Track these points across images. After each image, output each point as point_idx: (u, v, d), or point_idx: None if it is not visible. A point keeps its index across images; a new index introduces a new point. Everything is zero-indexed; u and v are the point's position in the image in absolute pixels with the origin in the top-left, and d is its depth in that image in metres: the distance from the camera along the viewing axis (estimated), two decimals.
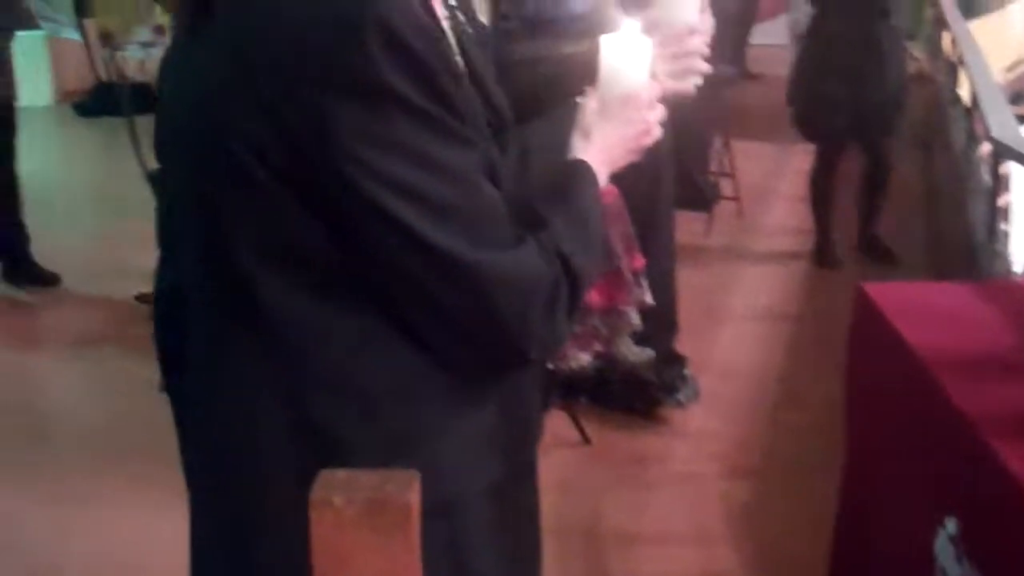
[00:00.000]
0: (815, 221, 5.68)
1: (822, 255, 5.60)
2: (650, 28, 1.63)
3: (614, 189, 3.70)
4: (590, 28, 1.69)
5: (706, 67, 1.70)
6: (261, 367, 1.24)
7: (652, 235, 4.06)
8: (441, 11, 1.74)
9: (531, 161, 1.65)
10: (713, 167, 6.27)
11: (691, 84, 1.69)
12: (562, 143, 1.48)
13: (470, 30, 1.79)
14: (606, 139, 1.46)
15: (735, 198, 6.28)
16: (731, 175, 6.28)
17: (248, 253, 1.20)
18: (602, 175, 1.45)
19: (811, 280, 5.41)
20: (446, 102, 1.17)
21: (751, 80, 10.17)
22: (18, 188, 5.46)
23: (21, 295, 5.44)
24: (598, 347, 3.68)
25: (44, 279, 5.44)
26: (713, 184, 6.27)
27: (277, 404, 1.23)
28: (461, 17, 1.79)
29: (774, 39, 11.61)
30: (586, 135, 1.46)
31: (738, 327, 4.89)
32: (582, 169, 1.43)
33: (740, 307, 5.11)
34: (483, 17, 3.54)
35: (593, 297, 3.64)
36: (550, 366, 3.63)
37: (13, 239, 5.50)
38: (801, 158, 7.21)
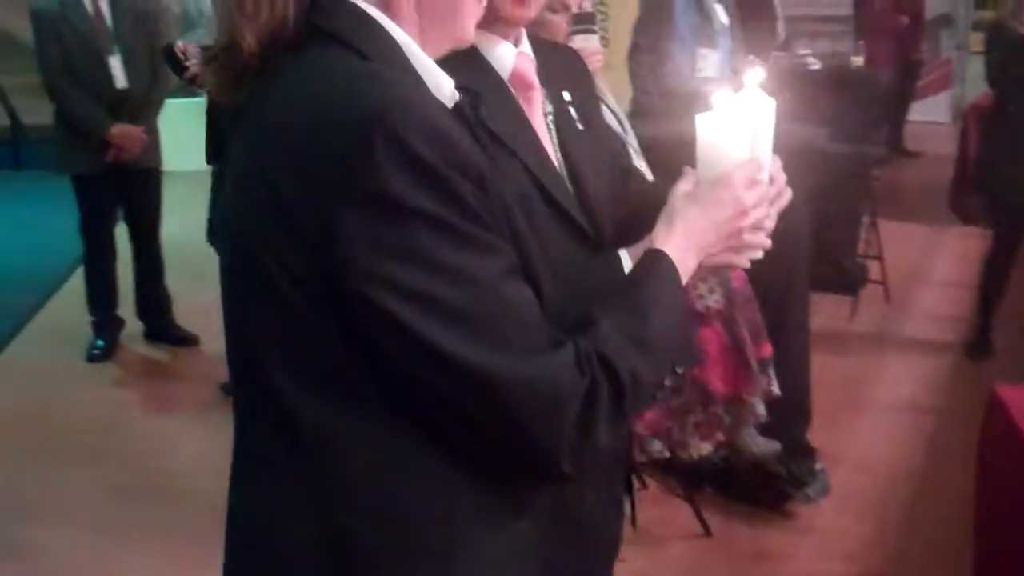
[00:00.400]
0: (979, 310, 5.38)
1: (976, 346, 5.31)
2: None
3: (742, 274, 3.59)
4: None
5: (765, 242, 1.51)
6: (293, 477, 1.19)
7: (785, 321, 3.92)
8: (542, 108, 1.71)
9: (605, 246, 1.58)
10: (860, 248, 6.06)
11: (744, 260, 1.51)
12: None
13: (580, 126, 1.74)
14: (692, 224, 1.39)
15: (882, 282, 6.03)
16: (879, 257, 6.04)
17: (277, 361, 1.17)
18: (687, 263, 1.38)
19: (960, 372, 5.13)
20: (462, 207, 1.12)
21: (908, 158, 9.88)
22: (161, 253, 5.62)
23: (161, 355, 5.56)
24: (720, 436, 3.55)
25: (183, 340, 5.56)
26: (860, 266, 6.05)
27: (309, 516, 1.18)
28: (573, 113, 1.75)
29: (934, 116, 11.31)
30: (670, 221, 1.40)
31: (877, 419, 4.66)
32: (653, 261, 1.35)
33: (881, 398, 4.88)
34: (612, 99, 3.48)
35: (717, 385, 3.53)
36: (666, 455, 3.53)
37: (156, 303, 5.66)
38: (956, 241, 6.97)
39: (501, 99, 1.63)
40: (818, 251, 5.73)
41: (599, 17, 3.22)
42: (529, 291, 1.19)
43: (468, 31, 1.32)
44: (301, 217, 1.10)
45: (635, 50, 6.25)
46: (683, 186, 1.45)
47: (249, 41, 1.19)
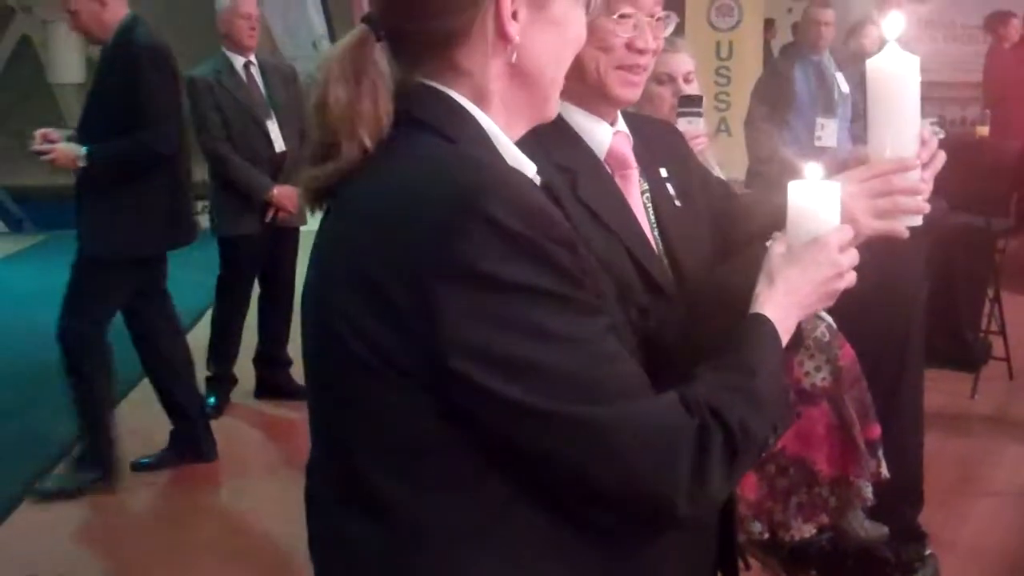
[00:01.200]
0: None
1: None
2: (859, 162, 1.58)
3: (851, 352, 3.50)
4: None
5: (921, 206, 1.57)
6: (372, 552, 1.23)
7: (897, 400, 3.81)
8: (639, 187, 1.70)
9: (701, 314, 1.59)
10: (984, 323, 5.87)
11: (901, 226, 1.56)
12: (742, 292, 1.45)
13: (677, 203, 1.74)
14: (792, 283, 1.42)
15: (1006, 359, 5.83)
16: (1002, 333, 5.84)
17: (370, 446, 1.22)
18: (788, 321, 1.42)
19: None
20: (559, 273, 1.17)
21: None
22: (292, 310, 5.72)
23: (279, 411, 5.67)
24: (824, 519, 3.44)
25: (297, 393, 5.63)
26: (983, 342, 5.87)
27: None
28: (671, 189, 1.75)
29: None
30: (770, 280, 1.43)
31: (995, 504, 4.48)
32: (755, 322, 1.38)
33: (1000, 481, 4.69)
34: (718, 169, 3.46)
35: (822, 466, 3.43)
36: (766, 535, 3.43)
37: (281, 359, 5.82)
38: None
39: (598, 178, 1.65)
40: (940, 325, 5.59)
41: (704, 98, 3.18)
42: (622, 346, 1.23)
43: (553, 110, 1.38)
44: (397, 298, 1.14)
45: (753, 117, 6.24)
46: (778, 247, 1.47)
47: (367, 142, 1.25)
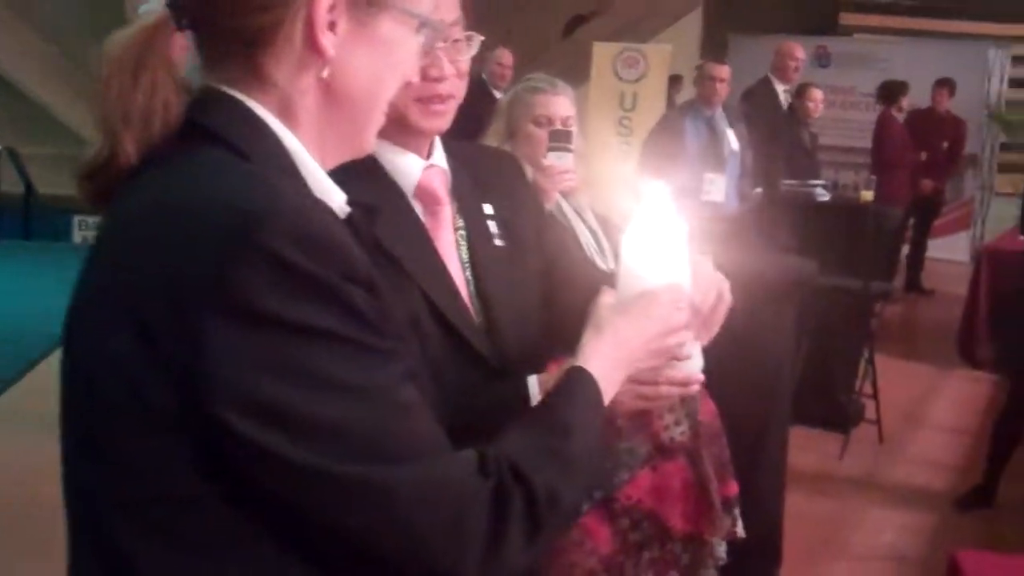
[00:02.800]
0: (989, 464, 5.07)
1: (977, 499, 5.09)
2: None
3: (712, 408, 3.48)
4: None
5: (689, 359, 1.49)
6: None
7: (759, 457, 3.81)
8: (452, 224, 1.63)
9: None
10: (858, 386, 5.93)
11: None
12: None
13: (499, 242, 1.67)
14: (620, 335, 1.37)
15: (877, 422, 5.89)
16: (875, 396, 5.91)
17: (105, 487, 1.08)
18: (614, 376, 1.35)
19: (946, 524, 4.97)
20: (348, 314, 1.04)
21: (922, 296, 9.79)
22: None
23: None
24: None
25: None
26: (856, 404, 5.93)
27: None
28: (493, 227, 1.68)
29: (954, 255, 11.24)
30: (598, 331, 1.37)
31: (855, 567, 4.49)
32: (576, 377, 1.30)
33: (861, 545, 4.71)
34: (590, 213, 3.40)
35: (676, 522, 3.38)
36: None
37: None
38: (959, 384, 6.84)
39: (399, 215, 1.57)
40: (814, 385, 5.63)
41: (573, 134, 3.16)
42: (419, 396, 1.11)
43: (369, 143, 1.26)
44: (162, 335, 1.00)
45: (641, 168, 6.26)
46: (607, 298, 1.42)
47: (130, 153, 1.12)
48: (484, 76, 8.04)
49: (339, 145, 1.22)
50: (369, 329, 1.06)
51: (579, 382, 1.30)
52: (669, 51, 9.14)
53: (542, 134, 3.27)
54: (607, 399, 1.32)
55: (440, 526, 1.07)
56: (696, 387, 1.52)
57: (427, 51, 1.51)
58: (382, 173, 1.60)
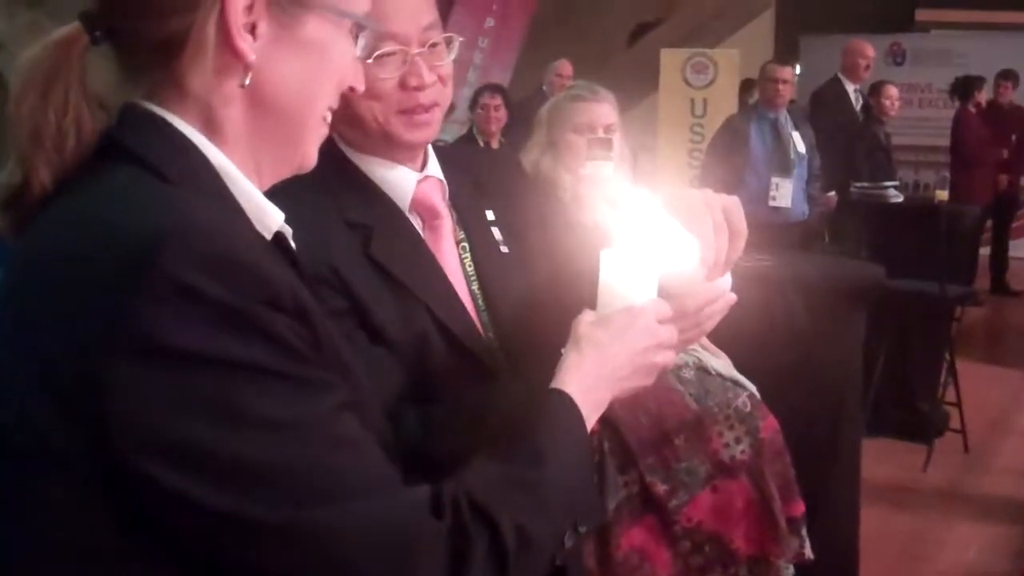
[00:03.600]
0: None
1: None
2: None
3: (774, 423, 3.32)
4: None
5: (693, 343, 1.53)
6: None
7: (829, 473, 3.64)
8: (453, 236, 1.54)
9: (498, 394, 1.42)
10: (940, 393, 5.69)
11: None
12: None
13: (504, 248, 1.57)
14: (603, 351, 1.27)
15: (961, 431, 5.64)
16: (958, 404, 5.66)
17: (14, 543, 0.97)
18: (596, 395, 1.26)
19: None
20: (268, 342, 0.94)
21: (1009, 297, 9.45)
22: None
23: None
24: None
25: None
26: (939, 412, 5.68)
27: None
28: (497, 233, 1.58)
29: None
30: (577, 347, 1.28)
31: None
32: (552, 399, 1.21)
33: (945, 562, 4.49)
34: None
35: (739, 543, 3.23)
36: None
37: None
38: None
39: (395, 233, 1.49)
40: (893, 394, 5.43)
41: (614, 141, 3.03)
42: (362, 430, 1.00)
43: (310, 156, 1.14)
44: (66, 379, 0.91)
45: (706, 175, 6.11)
46: (588, 316, 1.32)
47: (43, 179, 1.02)
48: (544, 88, 7.95)
49: (275, 159, 1.12)
50: (293, 358, 0.95)
51: (555, 404, 1.21)
52: (737, 55, 8.98)
53: (583, 142, 3.16)
54: (590, 421, 1.23)
55: (384, 568, 0.96)
56: (731, 299, 1.43)
57: (405, 60, 1.42)
58: (375, 189, 1.51)
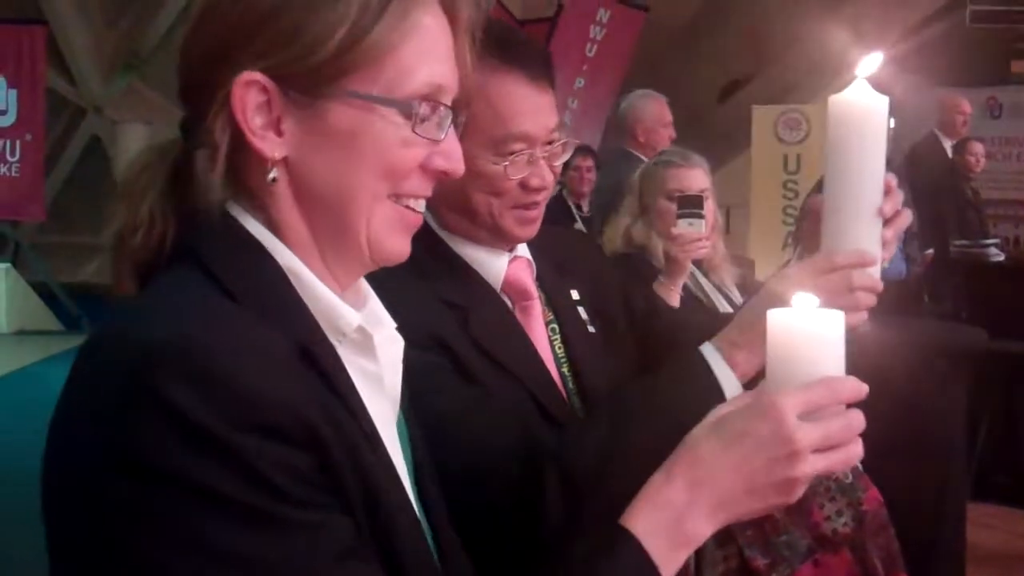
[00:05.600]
0: None
1: None
2: (815, 259, 1.37)
3: (877, 495, 3.24)
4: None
5: (870, 301, 1.36)
6: None
7: (934, 545, 3.53)
8: (543, 317, 1.53)
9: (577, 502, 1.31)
10: None
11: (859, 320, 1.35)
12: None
13: (590, 328, 1.55)
14: (704, 470, 1.04)
15: None
16: None
17: None
18: (689, 529, 1.04)
19: None
20: (247, 477, 0.90)
21: None
22: None
23: None
24: None
25: None
26: None
27: None
28: (583, 313, 1.57)
29: None
30: (671, 464, 1.06)
31: None
32: (610, 544, 1.03)
33: None
34: (734, 289, 3.25)
35: None
36: None
37: None
38: None
39: (491, 314, 1.50)
40: (1000, 460, 5.28)
41: (704, 199, 3.01)
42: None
43: (386, 252, 1.10)
44: (63, 487, 0.93)
45: (798, 233, 6.01)
46: (723, 409, 1.09)
47: (129, 286, 1.05)
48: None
49: (337, 252, 1.09)
50: (270, 494, 0.91)
51: (614, 555, 1.03)
52: None
53: (675, 209, 3.15)
54: (672, 563, 1.05)
55: None
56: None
57: (530, 160, 1.44)
58: (468, 270, 1.52)
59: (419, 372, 1.20)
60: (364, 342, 1.09)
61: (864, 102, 1.33)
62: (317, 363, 1.00)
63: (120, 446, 0.89)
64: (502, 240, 1.52)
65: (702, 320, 1.65)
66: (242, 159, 1.04)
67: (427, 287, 1.39)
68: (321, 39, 1.01)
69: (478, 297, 1.49)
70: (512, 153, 1.46)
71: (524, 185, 1.47)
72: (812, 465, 1.04)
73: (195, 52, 1.08)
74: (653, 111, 5.31)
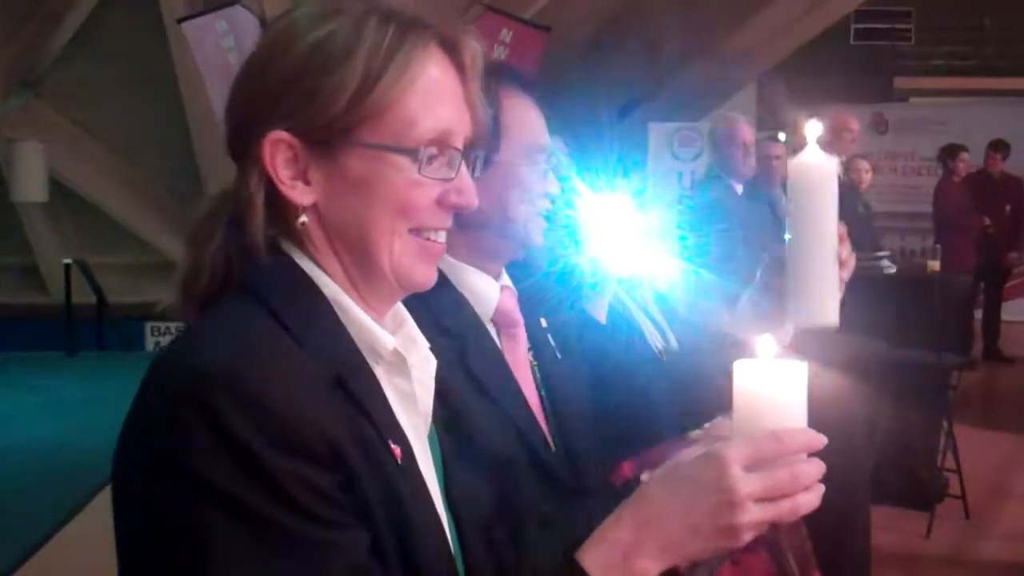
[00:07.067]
0: None
1: None
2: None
3: None
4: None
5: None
6: None
7: (842, 544, 3.72)
8: (524, 344, 1.61)
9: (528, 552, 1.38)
10: (939, 460, 5.78)
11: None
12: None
13: (558, 355, 1.64)
14: (651, 513, 1.09)
15: (961, 496, 5.73)
16: (957, 470, 5.76)
17: None
18: (633, 568, 1.09)
19: None
20: (274, 493, 1.00)
21: (1002, 363, 9.56)
22: None
23: None
24: None
25: None
26: (939, 479, 5.77)
27: None
28: (551, 340, 1.66)
29: None
30: (622, 508, 1.12)
31: None
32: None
33: None
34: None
35: None
36: None
37: None
38: None
39: (483, 345, 1.57)
40: (893, 463, 5.50)
41: None
42: None
43: (412, 280, 1.21)
44: (118, 481, 1.06)
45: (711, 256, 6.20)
46: (680, 457, 1.15)
47: (192, 315, 1.17)
48: None
49: (368, 285, 1.20)
50: (296, 513, 1.01)
51: None
52: None
53: None
54: None
55: None
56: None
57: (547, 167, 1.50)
58: (463, 300, 1.59)
59: None
60: (399, 363, 1.20)
61: (819, 163, 1.46)
62: (350, 388, 1.11)
63: (161, 450, 1.01)
64: (515, 253, 1.63)
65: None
66: (282, 205, 1.16)
67: (428, 315, 1.43)
68: (334, 97, 1.13)
69: (471, 328, 1.56)
70: (539, 162, 1.60)
71: (543, 191, 1.63)
72: (754, 514, 1.09)
73: (235, 114, 1.19)
74: None
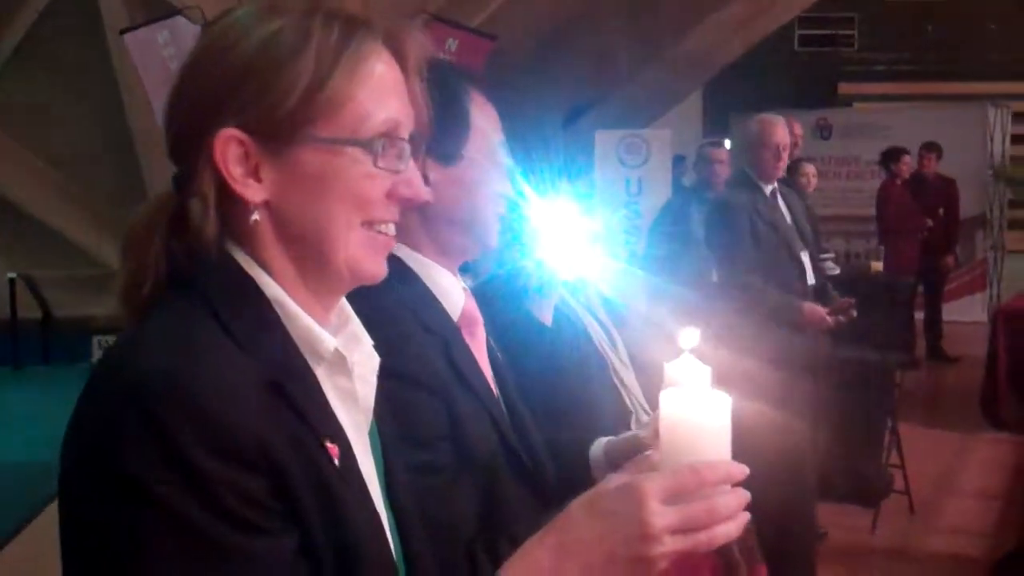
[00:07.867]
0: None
1: (1012, 565, 4.99)
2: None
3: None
4: None
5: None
6: None
7: (788, 538, 3.77)
8: (484, 342, 1.64)
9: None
10: (884, 456, 5.87)
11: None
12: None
13: (499, 354, 1.68)
14: (572, 537, 1.12)
15: (906, 492, 5.82)
16: (902, 466, 5.85)
17: None
18: None
19: None
20: (206, 500, 1.01)
21: (946, 362, 9.69)
22: None
23: None
24: None
25: None
26: (884, 475, 5.86)
27: None
28: (491, 341, 1.69)
29: (971, 316, 11.19)
30: (546, 529, 1.15)
31: None
32: None
33: None
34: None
35: None
36: None
37: None
38: (986, 448, 6.77)
39: (460, 342, 1.58)
40: (839, 460, 5.58)
41: None
42: None
43: (364, 273, 1.21)
44: (62, 484, 1.07)
45: (652, 258, 6.26)
46: (604, 485, 1.15)
47: (134, 322, 1.16)
48: None
49: (319, 280, 1.20)
50: (226, 520, 1.02)
51: None
52: (669, 135, 9.23)
53: None
54: None
55: None
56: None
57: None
58: (435, 299, 1.60)
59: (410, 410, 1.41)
60: (339, 362, 1.20)
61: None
62: (287, 391, 1.11)
63: (102, 456, 1.02)
64: (473, 253, 1.68)
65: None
66: (229, 204, 1.15)
67: (408, 313, 1.46)
68: (285, 94, 1.13)
69: (448, 326, 1.57)
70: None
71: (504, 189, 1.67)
72: (668, 546, 1.08)
73: (178, 115, 1.18)
74: None
